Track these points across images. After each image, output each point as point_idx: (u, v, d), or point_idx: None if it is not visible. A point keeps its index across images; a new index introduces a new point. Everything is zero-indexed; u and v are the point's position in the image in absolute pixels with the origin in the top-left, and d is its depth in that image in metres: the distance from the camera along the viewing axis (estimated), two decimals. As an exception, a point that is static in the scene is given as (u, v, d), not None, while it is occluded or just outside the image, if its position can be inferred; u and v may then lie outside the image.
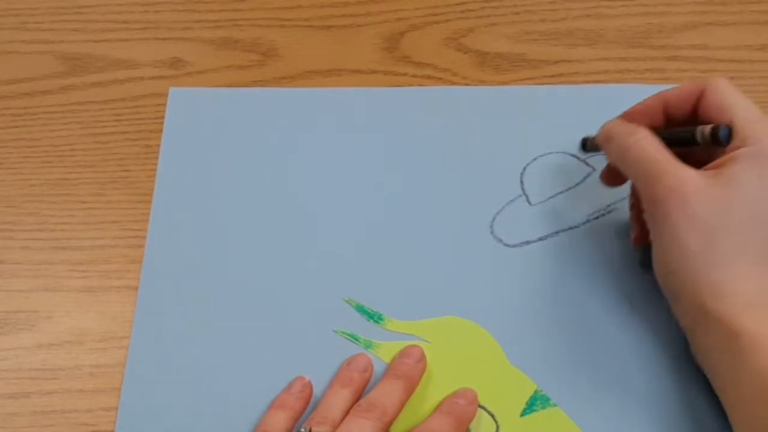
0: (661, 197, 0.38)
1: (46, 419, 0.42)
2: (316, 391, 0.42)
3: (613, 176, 0.46)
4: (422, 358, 0.43)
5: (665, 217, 0.38)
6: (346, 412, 0.40)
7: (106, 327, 0.45)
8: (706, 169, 0.38)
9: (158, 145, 0.51)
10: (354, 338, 0.44)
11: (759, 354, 0.35)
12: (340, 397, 0.40)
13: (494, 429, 0.41)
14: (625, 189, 0.47)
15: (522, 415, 0.42)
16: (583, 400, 0.42)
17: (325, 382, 0.43)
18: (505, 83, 0.54)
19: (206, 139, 0.51)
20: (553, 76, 0.54)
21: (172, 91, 0.53)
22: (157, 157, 0.51)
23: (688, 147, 0.40)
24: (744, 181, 0.37)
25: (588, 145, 0.48)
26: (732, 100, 0.39)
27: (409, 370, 0.42)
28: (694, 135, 0.39)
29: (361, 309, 0.45)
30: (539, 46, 0.56)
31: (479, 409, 0.42)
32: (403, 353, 0.43)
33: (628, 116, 0.43)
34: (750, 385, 0.35)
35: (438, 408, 0.41)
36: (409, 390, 0.41)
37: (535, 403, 0.42)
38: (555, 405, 0.42)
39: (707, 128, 0.38)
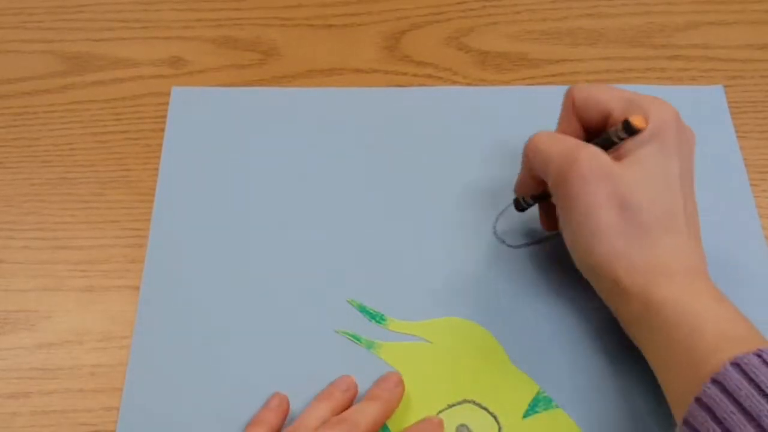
0: (576, 178, 0.39)
1: (47, 419, 0.42)
2: (317, 391, 0.42)
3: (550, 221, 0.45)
4: (400, 383, 0.42)
5: (577, 197, 0.39)
6: None
7: (107, 327, 0.45)
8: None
9: (159, 144, 0.51)
10: (356, 338, 0.44)
11: (673, 323, 0.36)
12: (318, 411, 0.40)
13: (497, 430, 0.41)
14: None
15: (524, 416, 0.42)
16: (585, 402, 0.42)
17: (326, 382, 0.42)
18: (506, 83, 0.54)
19: (208, 139, 0.51)
20: (554, 75, 0.54)
21: (175, 90, 0.53)
22: (157, 157, 0.51)
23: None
24: (651, 159, 0.39)
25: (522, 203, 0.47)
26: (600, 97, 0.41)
27: (385, 393, 0.41)
28: (610, 137, 0.40)
29: (363, 309, 0.45)
30: (540, 45, 0.56)
31: (482, 410, 0.42)
32: (380, 379, 0.42)
33: None
34: (668, 351, 0.37)
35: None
36: (386, 412, 0.41)
37: (537, 405, 0.42)
38: (557, 406, 0.42)
39: (619, 126, 0.39)
